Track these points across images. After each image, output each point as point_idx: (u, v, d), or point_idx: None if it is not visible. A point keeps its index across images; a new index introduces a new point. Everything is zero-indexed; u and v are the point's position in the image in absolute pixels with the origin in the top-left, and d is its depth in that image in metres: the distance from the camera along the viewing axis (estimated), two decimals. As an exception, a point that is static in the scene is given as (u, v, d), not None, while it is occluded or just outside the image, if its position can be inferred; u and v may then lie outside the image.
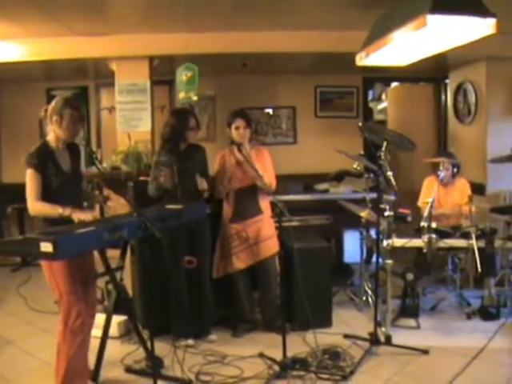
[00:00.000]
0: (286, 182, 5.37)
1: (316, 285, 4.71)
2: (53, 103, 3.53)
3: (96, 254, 3.52)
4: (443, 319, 5.01)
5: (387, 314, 4.48)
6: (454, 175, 5.63)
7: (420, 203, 5.60)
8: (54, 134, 3.54)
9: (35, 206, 3.39)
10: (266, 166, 4.68)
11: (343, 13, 5.13)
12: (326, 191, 6.32)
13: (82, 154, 3.78)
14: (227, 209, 4.81)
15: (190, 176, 4.50)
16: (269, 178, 4.60)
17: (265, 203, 4.79)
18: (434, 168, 5.76)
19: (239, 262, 4.74)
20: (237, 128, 4.68)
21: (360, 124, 5.10)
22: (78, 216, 3.34)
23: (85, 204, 3.84)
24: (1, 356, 4.41)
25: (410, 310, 4.88)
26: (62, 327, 3.44)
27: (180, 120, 4.57)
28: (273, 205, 4.10)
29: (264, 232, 4.71)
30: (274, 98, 8.08)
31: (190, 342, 4.54)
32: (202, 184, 4.49)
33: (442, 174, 5.43)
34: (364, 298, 5.45)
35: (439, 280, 5.80)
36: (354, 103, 8.16)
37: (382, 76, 7.84)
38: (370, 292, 5.40)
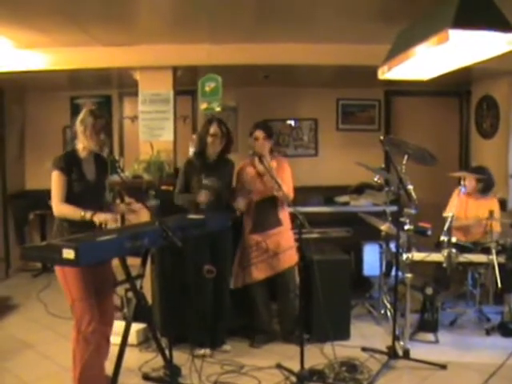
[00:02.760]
0: (306, 193, 5.38)
1: (335, 297, 4.70)
2: (80, 115, 3.63)
3: (116, 261, 3.55)
4: (462, 334, 4.97)
5: (406, 328, 4.45)
6: (484, 190, 5.52)
7: (446, 214, 5.55)
8: (81, 144, 3.62)
9: (59, 207, 3.48)
10: (284, 177, 4.70)
11: (365, 26, 5.14)
12: (346, 204, 6.33)
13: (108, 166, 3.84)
14: (247, 220, 4.83)
15: (215, 187, 4.56)
16: (286, 189, 4.61)
17: (284, 215, 4.81)
18: (459, 181, 5.70)
19: (258, 273, 4.75)
20: (256, 139, 4.74)
21: (381, 137, 5.10)
22: (100, 218, 3.39)
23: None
24: (21, 360, 4.46)
25: (428, 324, 4.84)
26: (76, 333, 3.48)
27: (203, 126, 4.69)
28: (293, 216, 4.14)
29: (283, 243, 4.73)
30: (296, 110, 8.09)
31: (207, 351, 4.55)
32: (201, 197, 4.51)
33: (463, 188, 5.39)
34: (382, 312, 5.43)
35: (459, 295, 5.74)
36: (375, 116, 8.16)
37: (403, 89, 7.82)
38: (388, 305, 5.36)
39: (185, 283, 4.46)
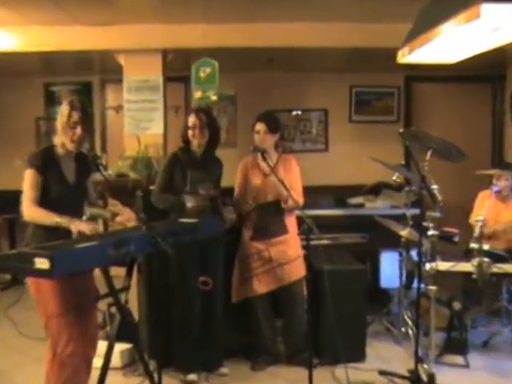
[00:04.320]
0: (315, 194, 5.38)
1: (348, 312, 4.70)
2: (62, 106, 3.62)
3: (98, 271, 3.50)
4: (496, 357, 4.94)
5: (430, 349, 4.45)
6: None
7: (471, 220, 5.54)
8: (59, 140, 3.59)
9: (30, 209, 3.41)
10: (292, 180, 4.72)
11: (383, 2, 5.14)
12: (360, 206, 6.35)
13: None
14: (248, 225, 4.83)
15: (200, 186, 4.56)
16: (296, 194, 4.59)
17: (291, 220, 4.81)
18: (491, 181, 5.69)
19: (260, 286, 4.75)
20: (257, 132, 4.76)
21: (401, 130, 5.10)
22: (78, 227, 3.33)
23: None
24: (-13, 389, 4.40)
25: (456, 345, 4.81)
26: (51, 355, 3.44)
27: (185, 118, 4.73)
28: (300, 220, 4.12)
29: (290, 253, 4.73)
30: (304, 98, 8.11)
31: (194, 377, 4.52)
32: (189, 202, 4.51)
33: (495, 188, 5.37)
34: (403, 330, 5.41)
35: (492, 311, 5.67)
36: (394, 106, 8.18)
37: (426, 75, 7.80)
38: (410, 322, 5.33)
39: (175, 296, 4.49)
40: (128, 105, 6.21)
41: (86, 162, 3.73)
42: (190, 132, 4.61)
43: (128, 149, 6.08)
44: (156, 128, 6.21)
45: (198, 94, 5.87)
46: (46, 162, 3.50)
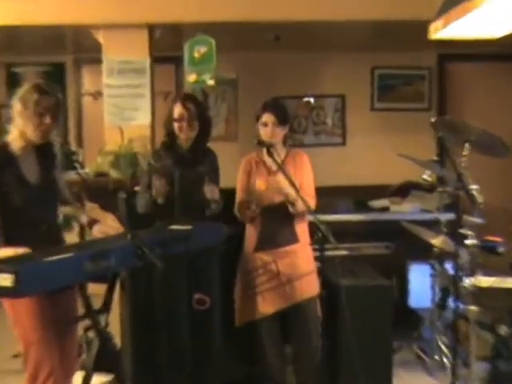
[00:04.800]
0: (331, 196, 5.38)
1: (371, 337, 4.70)
2: (20, 90, 3.57)
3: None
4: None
5: (470, 382, 4.41)
6: None
7: (516, 227, 5.55)
8: (17, 130, 3.55)
9: None
10: (303, 178, 4.72)
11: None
12: (385, 210, 6.36)
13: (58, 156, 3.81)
14: (251, 232, 4.81)
15: (192, 188, 4.56)
16: (307, 195, 4.58)
17: (302, 227, 4.79)
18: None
19: (266, 305, 4.72)
20: (264, 124, 4.71)
21: (433, 119, 5.07)
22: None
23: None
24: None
25: (503, 377, 4.78)
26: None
27: (169, 108, 4.74)
28: (313, 227, 4.13)
29: (301, 266, 4.70)
30: (317, 83, 8.11)
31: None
32: (213, 192, 4.49)
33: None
34: (437, 358, 5.41)
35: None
36: (425, 90, 8.19)
37: (464, 53, 7.77)
38: (445, 349, 5.35)
39: (162, 319, 4.49)
40: (108, 90, 6.17)
41: (50, 153, 3.72)
42: (175, 125, 4.63)
43: (109, 143, 6.03)
44: (142, 118, 6.18)
45: (191, 78, 5.84)
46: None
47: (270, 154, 4.47)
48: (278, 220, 4.73)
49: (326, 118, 8.22)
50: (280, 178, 4.51)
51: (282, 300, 4.70)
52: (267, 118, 4.70)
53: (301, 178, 4.67)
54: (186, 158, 4.66)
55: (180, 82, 7.80)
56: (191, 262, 4.49)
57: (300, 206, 4.47)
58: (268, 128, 4.69)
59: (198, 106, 4.70)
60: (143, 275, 4.43)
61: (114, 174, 5.77)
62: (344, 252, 5.27)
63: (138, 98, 6.17)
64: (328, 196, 5.13)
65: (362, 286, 4.86)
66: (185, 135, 4.63)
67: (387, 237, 5.94)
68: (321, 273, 4.22)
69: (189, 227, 3.98)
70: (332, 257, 4.22)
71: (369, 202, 6.47)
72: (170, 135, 4.69)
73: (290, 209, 4.58)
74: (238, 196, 4.83)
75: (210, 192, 4.49)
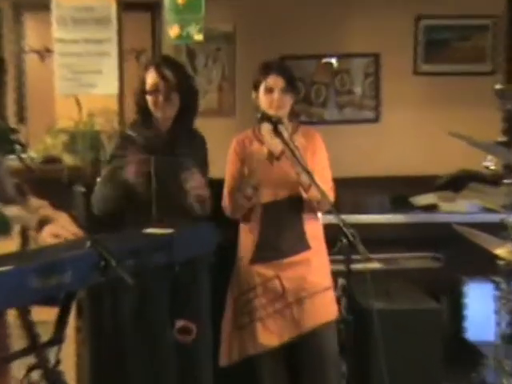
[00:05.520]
0: (360, 190, 5.44)
1: (413, 378, 4.75)
2: None
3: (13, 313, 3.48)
4: None
5: None
6: None
7: None
8: None
9: None
10: (317, 164, 4.75)
11: None
12: (432, 208, 6.39)
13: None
14: (246, 237, 4.85)
15: (173, 180, 4.49)
16: (323, 185, 4.53)
17: (315, 228, 4.83)
18: None
19: (268, 336, 4.72)
20: (269, 90, 4.68)
21: (498, 86, 5.01)
22: None
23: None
24: None
25: None
26: None
27: (139, 77, 4.70)
28: (332, 231, 4.14)
29: (314, 281, 4.71)
30: (341, 38, 8.09)
31: None
32: (193, 180, 4.45)
33: None
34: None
35: None
36: (487, 48, 8.17)
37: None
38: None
39: (134, 354, 4.48)
40: (60, 47, 6.15)
41: None
42: (148, 98, 4.56)
43: (61, 118, 6.03)
44: (106, 85, 6.18)
45: (173, 31, 5.86)
46: None
47: (277, 132, 4.40)
48: (282, 221, 4.76)
49: (353, 85, 8.17)
50: (285, 163, 4.59)
51: (288, 328, 4.70)
52: (273, 81, 4.69)
53: (313, 163, 4.66)
54: (163, 143, 4.60)
55: (158, 36, 7.83)
56: (173, 278, 4.41)
57: (315, 193, 4.44)
58: (274, 95, 4.66)
59: (178, 72, 4.65)
60: (109, 296, 4.41)
61: (68, 159, 5.80)
62: (377, 265, 5.30)
63: (100, 58, 6.19)
64: (356, 190, 5.19)
65: (401, 310, 4.97)
66: (161, 112, 4.58)
67: (435, 245, 5.99)
68: (345, 292, 4.13)
69: (170, 231, 3.90)
70: (361, 271, 4.17)
71: (410, 199, 6.52)
72: (142, 112, 4.65)
73: (304, 195, 4.56)
74: (228, 185, 4.84)
75: (193, 183, 4.45)
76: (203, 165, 4.71)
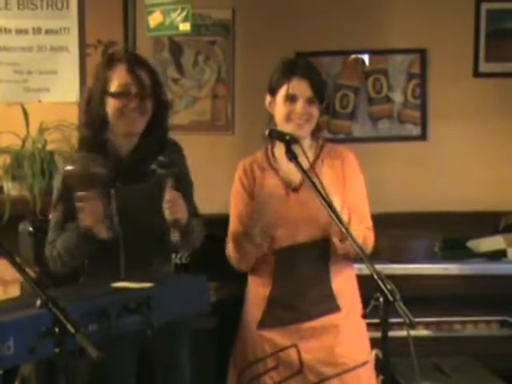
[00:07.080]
0: (400, 230, 5.31)
1: None
2: None
3: None
4: None
5: None
6: None
7: None
8: None
9: None
10: (349, 193, 4.66)
11: None
12: (498, 255, 6.32)
13: None
14: (256, 295, 4.83)
15: (144, 213, 4.41)
16: (360, 225, 4.50)
17: (345, 282, 4.77)
18: None
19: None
20: (291, 98, 4.57)
21: None
22: None
23: None
24: None
25: None
26: None
27: (96, 75, 4.59)
28: (366, 285, 4.09)
29: (342, 354, 4.62)
30: (374, 30, 8.03)
31: None
32: (173, 203, 4.29)
33: None
34: None
35: None
36: None
37: None
38: None
39: None
40: (1, 39, 6.11)
41: None
42: (113, 103, 4.44)
43: (2, 133, 6.02)
44: (63, 90, 6.16)
45: (153, 19, 5.93)
46: None
47: (292, 155, 4.20)
48: (302, 270, 4.67)
49: (391, 90, 8.07)
50: (306, 195, 4.42)
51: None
52: (298, 87, 4.59)
53: (345, 195, 4.55)
54: (129, 162, 4.51)
55: (133, 26, 7.68)
56: (147, 350, 4.37)
57: (349, 246, 4.29)
58: (298, 105, 4.56)
59: (153, 74, 4.59)
60: (65, 372, 4.32)
61: (11, 188, 5.75)
62: (425, 332, 5.15)
63: (56, 55, 6.17)
64: (397, 231, 5.05)
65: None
66: (127, 123, 4.45)
67: (504, 305, 5.86)
68: (382, 368, 4.05)
69: (148, 285, 3.87)
70: (403, 339, 4.05)
71: (469, 243, 6.46)
72: (98, 125, 4.49)
73: (336, 244, 4.45)
74: (232, 228, 4.77)
75: (169, 202, 4.30)
76: (184, 181, 4.61)
